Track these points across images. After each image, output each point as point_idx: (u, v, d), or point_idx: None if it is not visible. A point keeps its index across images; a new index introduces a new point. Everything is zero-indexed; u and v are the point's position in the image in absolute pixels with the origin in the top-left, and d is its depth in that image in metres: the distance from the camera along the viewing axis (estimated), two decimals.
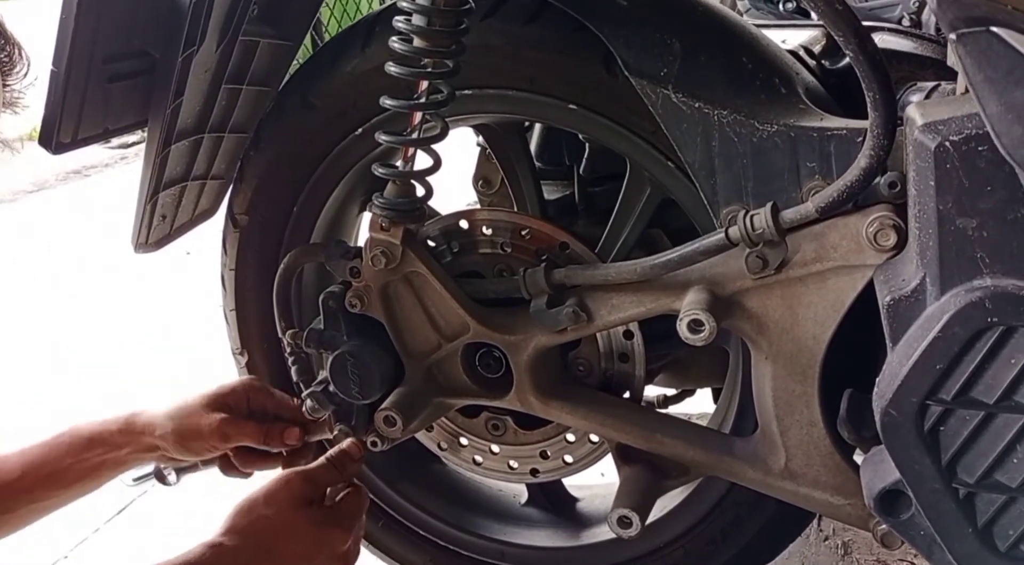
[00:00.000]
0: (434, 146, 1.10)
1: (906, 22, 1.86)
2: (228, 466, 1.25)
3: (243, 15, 1.07)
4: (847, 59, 0.92)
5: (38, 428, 1.23)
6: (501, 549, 1.39)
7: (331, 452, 1.14)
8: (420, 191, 1.13)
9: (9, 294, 3.21)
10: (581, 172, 1.33)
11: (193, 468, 1.27)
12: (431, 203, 1.16)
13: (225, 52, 1.09)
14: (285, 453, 1.24)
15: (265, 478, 1.10)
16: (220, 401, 1.20)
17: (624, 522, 1.11)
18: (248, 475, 1.27)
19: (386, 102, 1.06)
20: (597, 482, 1.53)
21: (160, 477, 1.28)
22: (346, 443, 1.16)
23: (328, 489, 1.11)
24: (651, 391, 1.40)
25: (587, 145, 1.30)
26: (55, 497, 1.20)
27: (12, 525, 1.18)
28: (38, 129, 0.98)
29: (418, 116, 1.07)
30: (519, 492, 1.46)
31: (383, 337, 1.18)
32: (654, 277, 1.04)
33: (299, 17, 1.22)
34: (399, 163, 1.11)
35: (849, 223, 0.92)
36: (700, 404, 1.58)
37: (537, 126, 1.39)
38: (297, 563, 1.03)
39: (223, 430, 1.18)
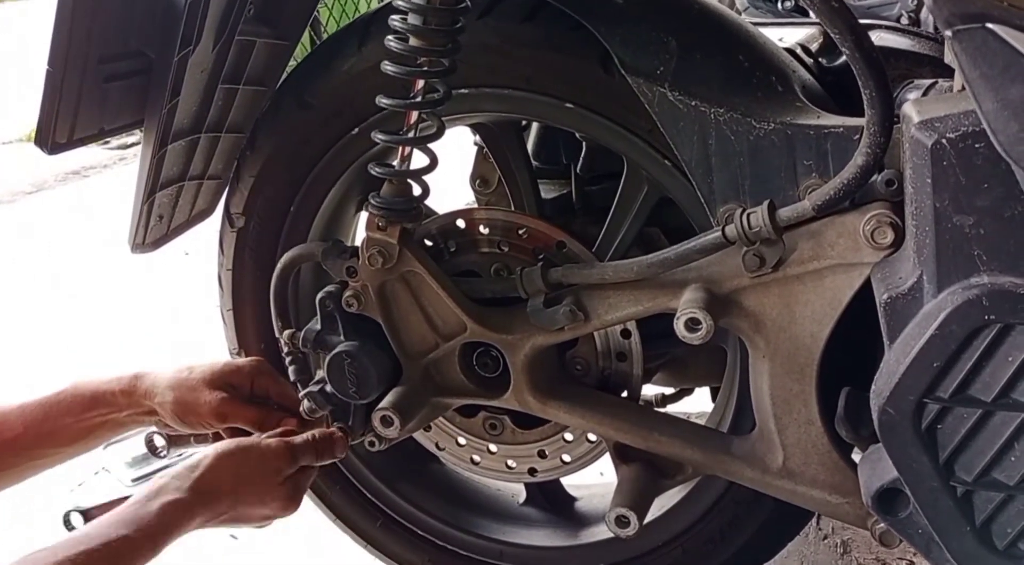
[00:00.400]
0: (431, 145, 1.10)
1: (904, 20, 1.86)
2: None
3: (239, 15, 1.07)
4: (844, 57, 0.92)
5: None
6: (500, 549, 1.39)
7: (319, 434, 1.15)
8: (417, 190, 1.13)
9: (9, 294, 3.21)
10: (578, 171, 1.33)
11: (186, 442, 1.27)
12: (428, 202, 1.16)
13: (221, 52, 1.09)
14: None
15: None
16: (224, 379, 1.20)
17: (622, 521, 1.11)
18: None
19: (382, 101, 1.06)
20: (595, 481, 1.53)
21: (151, 447, 1.28)
22: (336, 434, 1.17)
23: None
24: (649, 390, 1.39)
25: (584, 144, 1.29)
26: (53, 455, 1.20)
27: (10, 480, 1.19)
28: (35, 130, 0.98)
29: (414, 115, 1.06)
30: (517, 491, 1.46)
31: (380, 337, 1.18)
32: (651, 276, 1.03)
33: (295, 16, 1.21)
34: (395, 162, 1.11)
35: (846, 221, 0.91)
36: (698, 403, 1.58)
37: (534, 125, 1.39)
38: (253, 520, 1.11)
39: (221, 410, 1.18)
